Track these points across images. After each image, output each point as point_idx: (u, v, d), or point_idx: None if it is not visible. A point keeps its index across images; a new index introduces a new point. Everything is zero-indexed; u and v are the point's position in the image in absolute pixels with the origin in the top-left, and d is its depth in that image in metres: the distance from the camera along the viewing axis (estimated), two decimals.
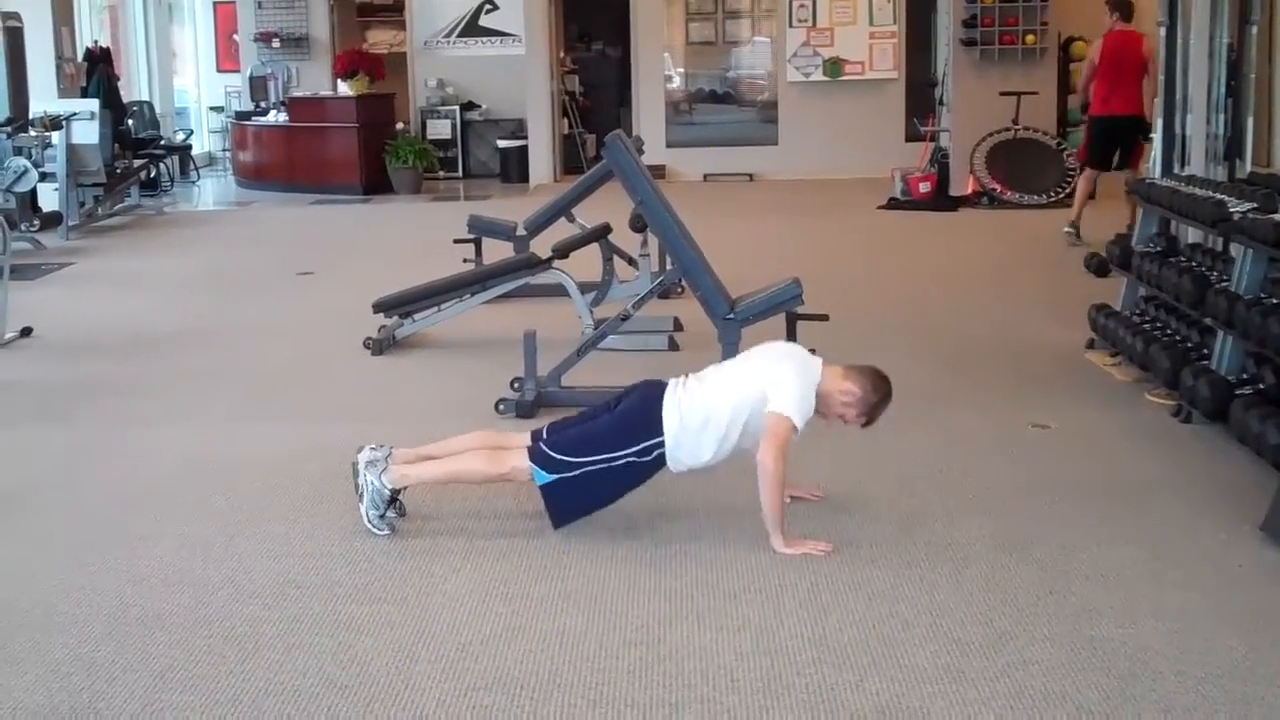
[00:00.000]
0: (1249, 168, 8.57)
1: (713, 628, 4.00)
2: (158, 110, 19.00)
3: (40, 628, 4.09)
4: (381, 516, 4.79)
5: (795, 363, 4.81)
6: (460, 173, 19.10)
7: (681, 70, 18.92)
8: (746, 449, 4.74)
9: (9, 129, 13.08)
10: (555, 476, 4.69)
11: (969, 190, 14.65)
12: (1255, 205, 6.14)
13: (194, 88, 21.57)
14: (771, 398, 4.62)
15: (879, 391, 4.80)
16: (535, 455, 4.73)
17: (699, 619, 4.07)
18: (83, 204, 13.85)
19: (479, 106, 19.24)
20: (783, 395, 4.62)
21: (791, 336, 6.38)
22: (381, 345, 7.85)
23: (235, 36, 20.04)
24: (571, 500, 4.72)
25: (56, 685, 3.71)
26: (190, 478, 5.61)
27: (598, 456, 4.69)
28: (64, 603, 4.28)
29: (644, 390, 4.87)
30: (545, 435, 4.82)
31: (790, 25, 17.97)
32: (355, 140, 17.08)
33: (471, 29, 19.22)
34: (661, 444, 4.70)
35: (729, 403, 4.69)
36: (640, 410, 4.77)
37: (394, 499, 4.83)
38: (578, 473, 4.68)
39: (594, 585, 4.35)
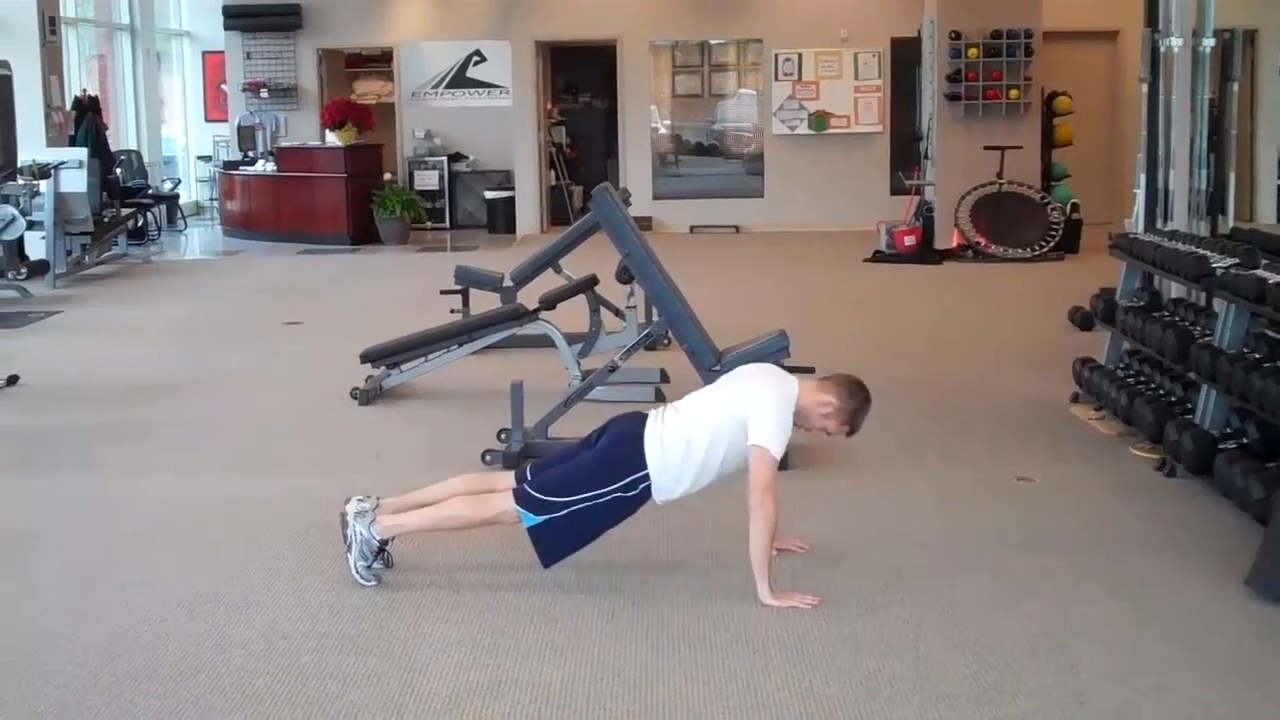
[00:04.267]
0: (1231, 223, 8.66)
1: (700, 680, 4.00)
2: (146, 159, 19.01)
3: (26, 678, 4.07)
4: (369, 567, 4.79)
5: (772, 383, 4.84)
6: (447, 223, 19.15)
7: (668, 122, 19.01)
8: (730, 473, 4.75)
9: None
10: (543, 518, 4.69)
11: (953, 244, 14.73)
12: (1238, 260, 6.19)
13: (182, 137, 21.59)
14: (751, 426, 4.64)
15: (855, 398, 4.82)
16: (521, 498, 4.72)
17: (686, 672, 4.07)
18: (70, 252, 13.85)
19: (466, 157, 19.32)
20: (761, 423, 4.64)
21: None
22: (369, 395, 7.86)
23: (223, 86, 20.10)
24: (560, 540, 4.72)
25: None
26: (177, 527, 5.60)
27: (584, 494, 4.69)
28: (50, 653, 4.27)
29: (624, 425, 4.86)
30: (529, 477, 4.83)
31: (776, 79, 18.10)
32: (343, 190, 17.10)
33: (460, 80, 19.30)
34: (646, 477, 4.71)
35: (708, 429, 4.70)
36: (622, 445, 4.77)
37: (382, 549, 4.83)
38: (565, 512, 4.68)
39: (581, 637, 4.35)
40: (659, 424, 4.78)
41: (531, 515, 4.69)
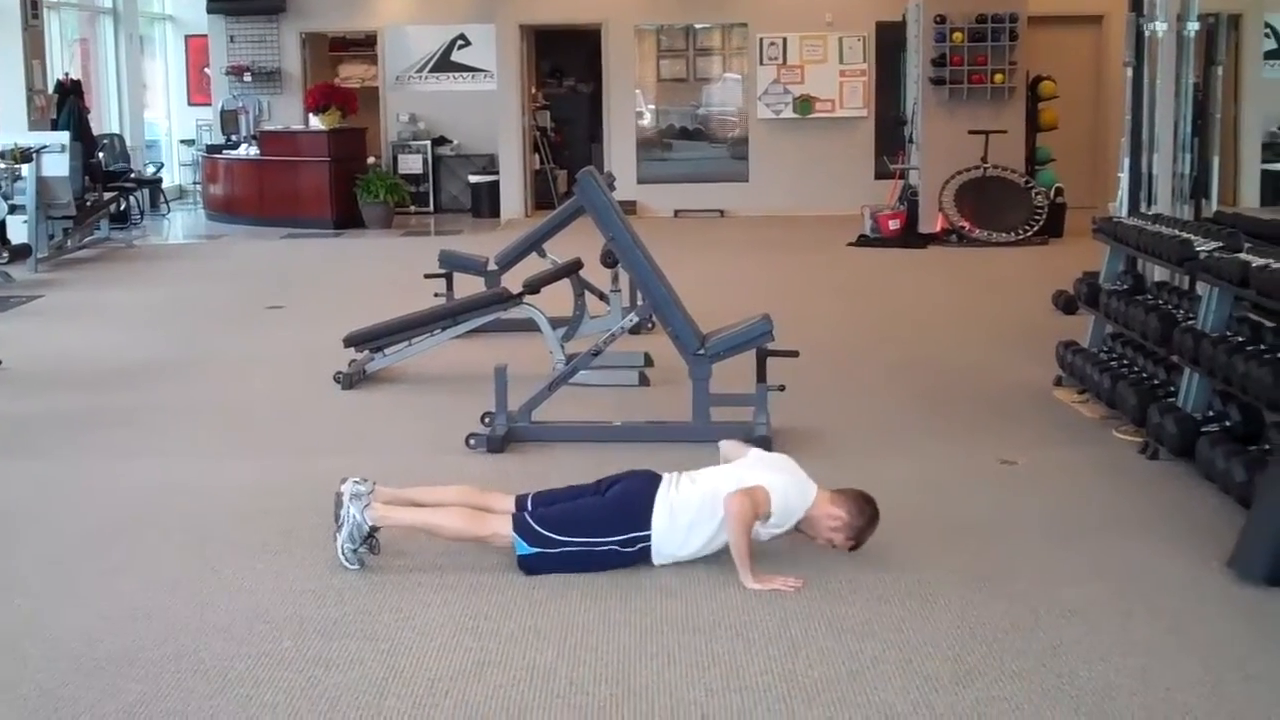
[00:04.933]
0: (1215, 206, 8.67)
1: (683, 664, 4.00)
2: (128, 143, 18.95)
3: (7, 662, 4.06)
4: (355, 550, 4.78)
5: (792, 476, 4.84)
6: (431, 207, 19.12)
7: (653, 106, 19.00)
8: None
9: None
10: (535, 550, 4.69)
11: (938, 227, 14.74)
12: (1221, 244, 6.20)
13: (165, 121, 21.52)
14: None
15: (864, 515, 4.80)
16: (519, 525, 4.73)
17: (669, 655, 4.07)
18: (52, 236, 13.82)
19: (451, 141, 19.28)
20: (772, 484, 4.70)
21: (762, 372, 6.40)
22: (352, 380, 7.84)
23: (206, 70, 20.04)
24: (546, 570, 4.71)
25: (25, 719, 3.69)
26: (159, 512, 5.59)
27: (582, 539, 4.70)
28: (31, 637, 4.25)
29: (638, 482, 4.87)
30: (530, 507, 4.83)
31: (761, 63, 18.08)
32: (326, 174, 17.07)
33: (444, 64, 19.27)
34: (647, 539, 4.72)
35: (719, 506, 4.69)
36: (632, 501, 4.78)
37: (371, 535, 4.81)
38: (558, 550, 4.69)
39: (564, 621, 4.35)
40: (672, 491, 4.79)
41: (525, 544, 4.70)
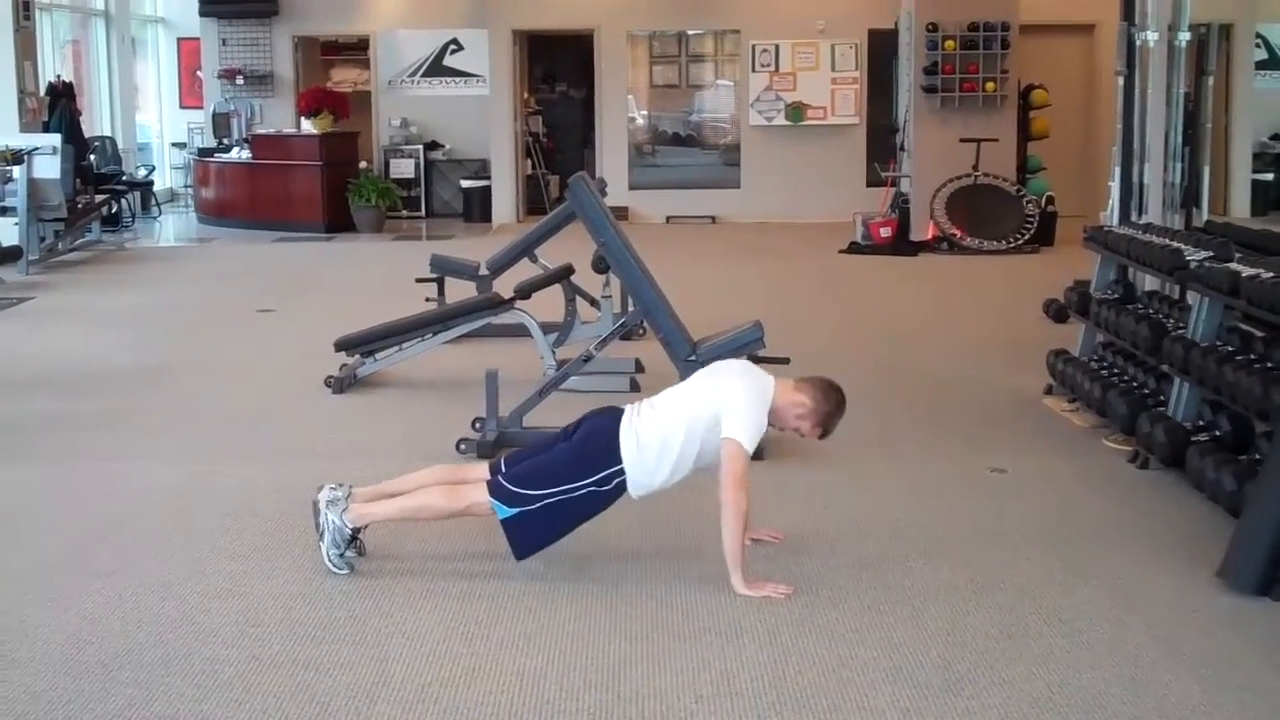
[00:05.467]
0: (1205, 216, 8.69)
1: (672, 670, 4.00)
2: (120, 145, 18.92)
3: None
4: (341, 555, 4.78)
5: (747, 380, 4.84)
6: (423, 212, 19.09)
7: (645, 113, 19.01)
8: (704, 467, 4.77)
9: None
10: (516, 510, 4.68)
11: (929, 235, 14.75)
12: (1211, 254, 6.22)
13: (157, 123, 21.48)
14: (724, 420, 4.66)
15: (830, 400, 4.83)
16: (495, 490, 4.72)
17: (658, 661, 4.07)
18: (43, 239, 13.79)
19: (442, 146, 19.26)
20: (735, 418, 4.66)
21: None
22: (343, 384, 7.84)
23: (199, 73, 20.02)
24: (534, 532, 4.72)
25: None
26: (149, 515, 5.58)
27: (558, 488, 4.69)
28: (19, 639, 4.25)
29: (600, 419, 4.87)
30: (503, 469, 4.82)
31: (753, 70, 18.09)
32: (318, 178, 17.04)
33: (436, 69, 19.26)
34: (621, 471, 4.71)
35: (683, 423, 4.71)
36: (597, 439, 4.77)
37: (354, 538, 4.81)
38: (538, 505, 4.68)
39: (554, 626, 4.35)
40: (634, 419, 4.79)
41: (505, 507, 4.69)
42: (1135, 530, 5.35)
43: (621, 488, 4.74)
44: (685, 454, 4.72)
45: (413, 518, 4.91)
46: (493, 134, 18.10)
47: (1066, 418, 7.13)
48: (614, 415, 4.84)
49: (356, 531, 4.81)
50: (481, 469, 4.93)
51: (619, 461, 4.71)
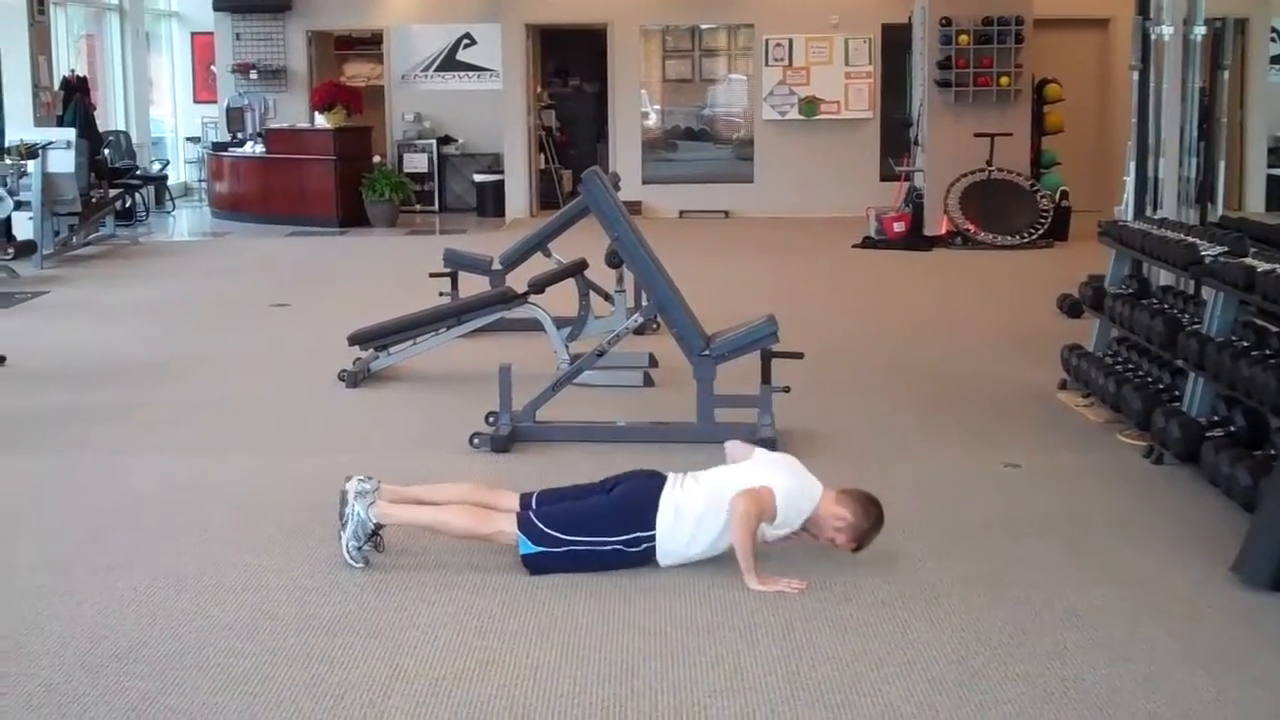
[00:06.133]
0: (1220, 211, 8.66)
1: (686, 664, 4.00)
2: (134, 140, 18.94)
3: (11, 658, 4.06)
4: (360, 549, 4.78)
5: (798, 479, 4.84)
6: (436, 206, 19.12)
7: (658, 107, 18.99)
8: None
9: None
10: (540, 549, 4.69)
11: (943, 230, 14.73)
12: (1226, 249, 6.20)
13: (170, 118, 21.53)
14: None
15: (869, 518, 4.79)
16: (524, 524, 4.73)
17: (672, 655, 4.07)
18: (58, 233, 13.82)
19: (456, 141, 19.28)
20: (777, 485, 4.70)
21: (767, 373, 6.41)
22: (356, 378, 7.84)
23: (213, 67, 20.07)
24: (550, 569, 4.71)
25: (30, 716, 3.69)
26: (163, 508, 5.59)
27: (586, 539, 4.70)
28: (35, 633, 4.26)
29: (643, 482, 4.88)
30: (535, 505, 4.83)
31: (766, 64, 18.07)
32: (332, 172, 17.05)
33: (449, 63, 19.28)
34: (651, 538, 4.72)
35: (724, 503, 4.70)
36: (637, 499, 4.78)
37: (376, 533, 4.82)
38: (563, 550, 4.69)
39: (568, 620, 4.35)
40: (677, 490, 4.79)
41: (530, 544, 4.70)
42: (1149, 526, 5.34)
43: (649, 554, 4.74)
44: (723, 537, 4.71)
45: (435, 530, 4.90)
46: (506, 128, 18.11)
47: (1081, 413, 7.12)
48: (658, 482, 4.85)
49: (379, 527, 4.81)
50: (512, 499, 4.92)
51: (652, 528, 4.71)
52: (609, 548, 4.71)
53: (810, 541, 4.87)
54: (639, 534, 4.71)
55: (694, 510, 4.72)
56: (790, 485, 4.76)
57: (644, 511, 4.73)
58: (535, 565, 4.71)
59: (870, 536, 4.82)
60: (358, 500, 4.77)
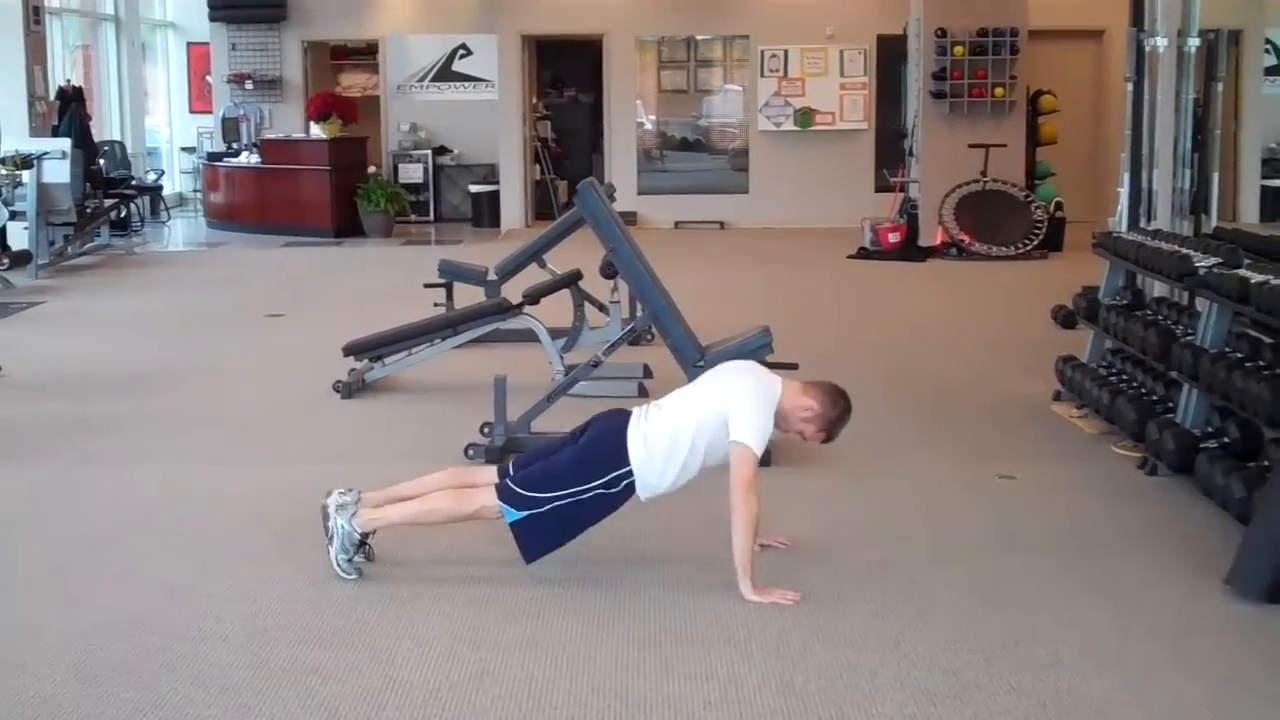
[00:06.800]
0: (1214, 222, 8.67)
1: (680, 676, 4.00)
2: (129, 150, 18.96)
3: (4, 669, 4.06)
4: (350, 560, 4.78)
5: (755, 381, 4.85)
6: (432, 217, 19.11)
7: (653, 117, 19.01)
8: (712, 467, 4.76)
9: None
10: (525, 513, 4.68)
11: (937, 241, 14.75)
12: (1220, 260, 6.21)
13: (166, 128, 21.54)
14: (732, 423, 4.66)
15: (837, 406, 4.83)
16: (503, 493, 4.72)
17: (667, 667, 4.07)
18: (53, 243, 13.81)
19: (451, 151, 19.29)
20: (742, 420, 4.65)
21: None
22: (351, 389, 7.84)
23: (208, 77, 20.07)
24: (542, 535, 4.72)
25: None
26: (157, 519, 5.59)
27: (566, 490, 4.69)
28: (28, 644, 4.26)
29: (607, 422, 4.87)
30: (511, 472, 4.82)
31: (762, 75, 18.10)
32: (327, 183, 17.05)
33: (445, 74, 19.30)
34: (629, 474, 4.71)
35: (691, 425, 4.72)
36: (605, 441, 4.78)
37: (363, 543, 4.82)
38: (547, 508, 4.68)
39: (562, 632, 4.35)
40: (642, 421, 4.79)
41: (513, 510, 4.69)
42: (1143, 537, 5.34)
43: (630, 490, 4.74)
44: (693, 455, 4.72)
45: (421, 522, 4.91)
46: (501, 139, 18.13)
47: (1075, 424, 7.12)
48: (622, 417, 4.85)
49: (365, 537, 4.81)
50: (490, 473, 4.94)
51: (627, 464, 4.71)
52: (590, 494, 4.69)
53: (803, 557, 4.87)
54: (615, 472, 4.70)
55: (662, 437, 4.71)
56: (759, 401, 4.72)
57: (615, 450, 4.72)
58: (525, 534, 4.69)
59: (839, 426, 4.84)
60: (339, 513, 4.77)
